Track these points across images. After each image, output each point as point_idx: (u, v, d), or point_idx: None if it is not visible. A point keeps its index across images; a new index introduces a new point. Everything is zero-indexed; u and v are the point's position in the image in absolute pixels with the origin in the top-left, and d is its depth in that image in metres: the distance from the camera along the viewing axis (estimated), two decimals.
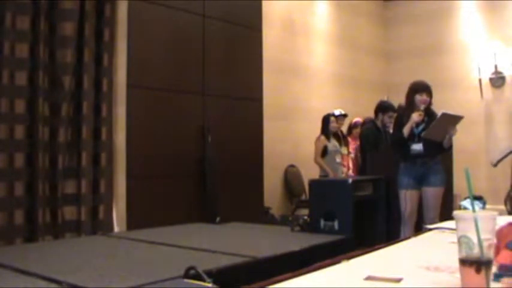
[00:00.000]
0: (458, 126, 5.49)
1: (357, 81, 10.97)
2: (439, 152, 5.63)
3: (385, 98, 8.32)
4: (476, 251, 1.27)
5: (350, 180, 5.50)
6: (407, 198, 5.64)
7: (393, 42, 12.04)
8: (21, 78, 5.32)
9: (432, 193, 5.60)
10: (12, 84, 5.25)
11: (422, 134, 5.53)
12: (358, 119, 8.75)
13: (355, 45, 11.10)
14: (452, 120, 5.44)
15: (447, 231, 2.34)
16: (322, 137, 8.03)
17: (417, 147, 5.58)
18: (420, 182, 5.62)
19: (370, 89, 11.04)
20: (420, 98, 5.62)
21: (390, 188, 5.86)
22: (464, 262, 1.29)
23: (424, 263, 1.70)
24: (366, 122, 8.25)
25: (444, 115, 5.46)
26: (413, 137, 5.59)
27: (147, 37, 6.52)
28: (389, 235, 5.56)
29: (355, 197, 5.41)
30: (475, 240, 1.26)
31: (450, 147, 5.69)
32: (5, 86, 5.18)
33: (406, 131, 5.58)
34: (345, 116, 8.69)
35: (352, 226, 5.13)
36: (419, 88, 5.67)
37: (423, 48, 11.38)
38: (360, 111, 9.18)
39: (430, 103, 5.68)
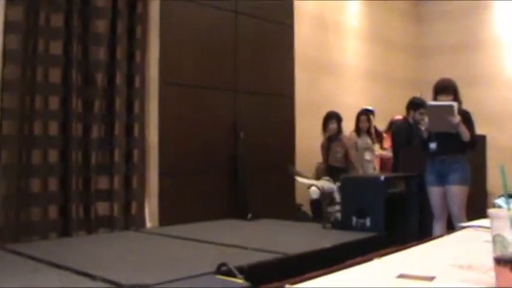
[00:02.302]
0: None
1: (390, 78, 10.90)
2: (459, 150, 5.55)
3: (418, 95, 8.23)
4: (511, 250, 1.25)
5: (382, 177, 5.47)
6: (432, 195, 5.66)
7: (426, 39, 11.92)
8: (55, 76, 5.37)
9: (452, 191, 5.56)
10: (47, 82, 5.31)
11: (425, 129, 5.57)
12: (398, 117, 8.65)
13: (387, 41, 11.03)
14: (445, 109, 5.37)
15: (481, 229, 2.31)
16: (353, 134, 8.01)
17: (433, 145, 5.59)
18: (442, 179, 5.60)
19: (402, 86, 10.95)
20: (440, 98, 5.58)
21: (423, 185, 5.81)
22: (498, 261, 1.27)
23: (457, 261, 1.68)
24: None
25: (430, 106, 5.50)
26: (431, 135, 5.60)
27: (179, 34, 6.54)
28: (422, 233, 5.51)
29: (387, 194, 5.37)
30: (509, 239, 1.25)
31: (474, 142, 5.59)
32: (39, 83, 5.24)
33: (423, 130, 5.63)
34: (369, 111, 8.58)
35: (384, 223, 5.10)
36: (437, 89, 5.63)
37: (457, 45, 11.25)
38: (393, 108, 9.11)
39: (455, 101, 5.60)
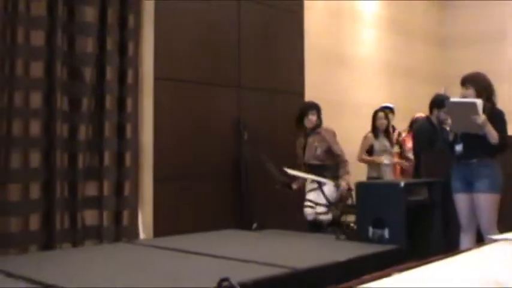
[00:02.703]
0: None
1: (411, 72, 10.83)
2: (488, 153, 5.49)
3: (441, 91, 8.19)
4: None
5: (402, 184, 5.43)
6: (458, 203, 5.59)
7: (452, 28, 11.83)
8: (37, 69, 5.33)
9: (480, 200, 5.48)
10: (27, 76, 5.27)
11: (449, 128, 5.54)
12: (420, 115, 8.60)
13: (408, 31, 10.96)
14: (467, 107, 5.31)
15: None
16: (370, 135, 7.95)
17: (459, 148, 5.53)
18: (469, 186, 5.54)
19: (425, 81, 10.89)
20: (461, 92, 5.55)
21: (448, 192, 5.76)
22: None
23: (488, 278, 1.64)
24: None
25: (451, 104, 5.45)
26: (457, 137, 5.54)
27: (176, 24, 6.53)
28: (447, 246, 5.46)
29: (408, 202, 5.35)
30: None
31: (504, 145, 5.52)
32: (19, 77, 5.20)
33: (449, 131, 5.58)
34: (389, 109, 8.54)
35: (404, 235, 5.11)
36: (461, 82, 5.58)
37: (486, 34, 11.17)
38: (414, 106, 9.06)
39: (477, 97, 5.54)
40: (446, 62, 11.55)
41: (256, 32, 7.43)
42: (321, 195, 6.51)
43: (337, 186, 6.54)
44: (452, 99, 5.52)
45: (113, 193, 5.82)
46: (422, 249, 5.25)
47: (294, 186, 6.85)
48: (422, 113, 8.23)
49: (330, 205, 6.52)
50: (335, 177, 6.64)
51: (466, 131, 5.42)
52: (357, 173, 7.88)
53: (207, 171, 6.71)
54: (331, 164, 6.83)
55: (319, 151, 6.87)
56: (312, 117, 6.93)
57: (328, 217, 6.48)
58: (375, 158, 7.82)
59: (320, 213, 6.51)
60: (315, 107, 7.01)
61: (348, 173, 6.75)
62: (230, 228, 6.17)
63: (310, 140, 6.93)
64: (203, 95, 6.77)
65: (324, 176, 6.62)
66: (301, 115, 6.99)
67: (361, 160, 7.92)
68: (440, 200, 5.90)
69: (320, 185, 6.56)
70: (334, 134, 6.96)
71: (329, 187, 6.58)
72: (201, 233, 5.70)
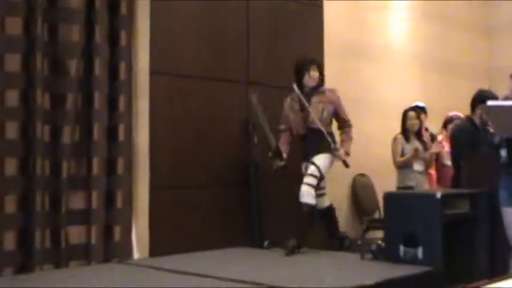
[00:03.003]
0: None
1: (449, 66, 10.78)
2: None
3: (485, 87, 8.14)
4: None
5: (438, 194, 5.38)
6: (507, 218, 5.52)
7: (497, 15, 11.78)
8: (14, 62, 5.33)
9: None
10: (2, 70, 5.26)
11: (493, 131, 5.54)
12: (455, 113, 8.55)
13: (446, 19, 10.92)
14: (505, 111, 5.27)
15: None
16: (399, 137, 7.90)
17: (503, 153, 5.48)
18: None
19: (466, 76, 10.83)
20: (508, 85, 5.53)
21: (495, 204, 5.70)
22: None
23: None
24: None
25: (486, 108, 5.43)
26: (502, 140, 5.49)
27: (175, 11, 6.52)
28: (494, 268, 5.41)
29: (445, 217, 5.32)
30: None
31: None
32: None
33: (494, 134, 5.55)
34: (421, 108, 8.50)
35: (441, 255, 5.07)
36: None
37: None
38: (452, 105, 9.00)
39: None
40: (490, 54, 11.49)
41: (268, 21, 7.43)
42: (311, 166, 6.30)
43: (333, 152, 6.29)
44: (488, 103, 5.48)
45: (102, 205, 5.82)
46: (463, 272, 5.22)
47: (284, 154, 6.58)
48: (459, 111, 8.18)
49: (321, 179, 6.34)
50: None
51: (509, 135, 5.37)
52: (389, 183, 7.85)
53: (211, 180, 6.70)
54: (331, 132, 6.63)
55: (325, 113, 6.60)
56: (314, 74, 6.67)
57: (310, 198, 6.22)
58: (410, 155, 7.71)
59: (306, 184, 6.27)
60: (316, 62, 6.76)
61: (351, 139, 6.59)
62: (238, 245, 6.20)
63: (314, 99, 6.63)
64: (206, 92, 6.76)
65: (326, 142, 6.35)
66: (300, 73, 6.71)
67: (399, 163, 7.85)
68: (485, 214, 5.84)
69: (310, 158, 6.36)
70: (339, 96, 6.72)
71: (323, 157, 6.37)
72: (205, 252, 5.74)
